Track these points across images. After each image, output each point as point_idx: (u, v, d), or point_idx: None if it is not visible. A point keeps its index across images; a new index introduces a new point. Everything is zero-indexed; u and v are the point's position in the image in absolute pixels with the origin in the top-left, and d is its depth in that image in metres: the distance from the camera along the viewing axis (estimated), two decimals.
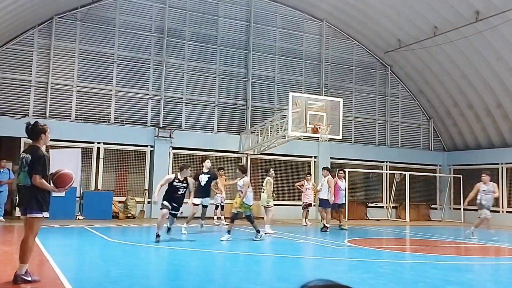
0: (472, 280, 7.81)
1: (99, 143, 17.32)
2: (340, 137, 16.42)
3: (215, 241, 11.07)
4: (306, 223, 16.00)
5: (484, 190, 13.23)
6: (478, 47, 18.68)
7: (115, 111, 17.77)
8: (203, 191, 12.67)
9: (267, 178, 13.47)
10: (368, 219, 20.36)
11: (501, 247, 12.37)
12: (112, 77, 17.87)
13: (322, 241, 11.95)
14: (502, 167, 20.87)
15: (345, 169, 17.19)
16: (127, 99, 18.04)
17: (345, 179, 15.73)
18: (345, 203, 15.77)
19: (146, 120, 18.21)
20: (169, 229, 10.70)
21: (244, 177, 11.31)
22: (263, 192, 13.49)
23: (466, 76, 20.25)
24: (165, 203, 10.44)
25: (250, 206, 11.40)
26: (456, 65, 20.11)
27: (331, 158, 20.25)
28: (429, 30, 19.03)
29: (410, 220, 20.27)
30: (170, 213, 10.45)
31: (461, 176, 21.56)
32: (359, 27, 21.20)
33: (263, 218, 14.08)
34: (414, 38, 19.72)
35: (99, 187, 17.06)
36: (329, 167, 17.45)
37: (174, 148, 18.04)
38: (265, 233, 11.91)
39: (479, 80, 19.93)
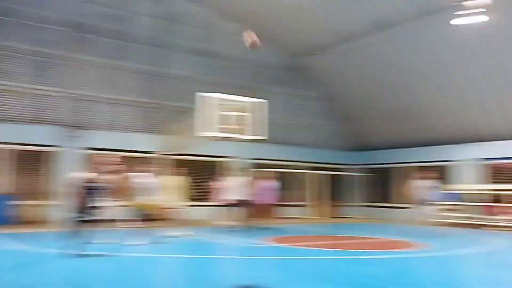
0: (378, 274, 8.30)
1: (2, 143, 16.19)
2: (264, 137, 16.61)
3: (126, 245, 10.78)
4: (224, 223, 16.03)
5: (426, 187, 13.77)
6: (384, 54, 19.84)
7: (21, 109, 16.71)
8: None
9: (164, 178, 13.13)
10: (286, 217, 20.87)
11: (408, 241, 13.24)
12: (19, 73, 16.78)
13: (241, 240, 12.07)
14: (409, 166, 22.39)
15: (272, 170, 17.44)
16: (37, 97, 17.03)
17: (275, 179, 15.86)
18: (271, 203, 15.91)
19: (58, 119, 17.31)
20: (78, 237, 9.25)
21: (154, 176, 11.07)
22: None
23: (376, 80, 21.43)
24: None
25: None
26: (367, 69, 21.21)
27: (248, 158, 20.51)
28: (344, 36, 19.86)
29: (325, 218, 21.07)
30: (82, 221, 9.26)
31: (373, 175, 22.82)
32: (276, 29, 21.66)
33: (173, 219, 13.67)
34: (327, 42, 20.50)
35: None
36: (248, 167, 17.65)
37: (88, 148, 17.30)
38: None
39: (388, 84, 21.19)
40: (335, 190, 23.14)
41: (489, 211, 17.29)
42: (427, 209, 13.84)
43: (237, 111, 15.80)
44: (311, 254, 10.39)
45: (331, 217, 21.54)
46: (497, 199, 17.99)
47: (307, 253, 10.51)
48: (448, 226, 18.21)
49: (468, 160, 20.15)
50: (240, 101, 16.29)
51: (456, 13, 15.42)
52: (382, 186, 22.95)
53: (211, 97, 15.76)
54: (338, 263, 9.21)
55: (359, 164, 24.11)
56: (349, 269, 8.49)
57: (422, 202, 13.80)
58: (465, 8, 15.14)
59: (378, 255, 10.68)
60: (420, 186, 13.91)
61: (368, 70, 21.24)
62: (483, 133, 19.74)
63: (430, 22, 17.27)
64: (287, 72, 22.91)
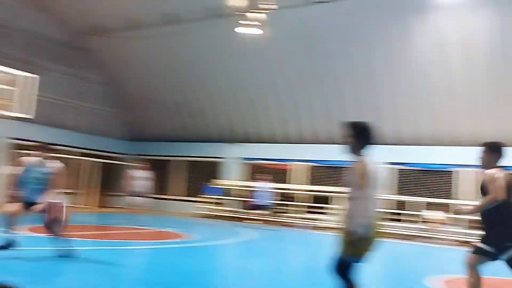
0: (139, 263, 8.41)
1: None
2: (31, 116, 15.13)
3: None
4: None
5: (140, 177, 14.31)
6: (171, 48, 20.17)
7: None
8: None
9: None
10: None
11: (175, 232, 13.70)
12: None
13: None
14: (180, 159, 23.26)
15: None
16: None
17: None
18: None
19: None
20: None
21: None
22: None
23: (160, 73, 21.61)
24: None
25: None
26: (153, 60, 21.21)
27: (10, 138, 18.39)
28: (128, 22, 19.40)
29: (95, 207, 20.32)
30: None
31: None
32: (58, 1, 20.02)
33: None
34: (114, 26, 19.81)
35: None
36: (10, 148, 15.84)
37: None
38: None
39: (171, 78, 21.58)
40: (107, 179, 22.47)
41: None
42: (137, 199, 14.35)
43: (2, 84, 14.08)
44: (70, 245, 9.87)
45: (101, 206, 20.90)
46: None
47: (65, 244, 9.95)
48: (213, 218, 19.50)
49: (235, 159, 21.86)
50: (6, 73, 14.56)
51: (241, 21, 16.59)
52: (156, 178, 23.20)
53: None
54: (99, 254, 8.98)
55: (133, 154, 23.91)
56: (110, 259, 8.36)
57: (134, 192, 14.36)
58: (247, 19, 16.44)
59: (143, 245, 10.78)
60: (135, 176, 14.62)
61: (153, 61, 21.28)
62: (251, 135, 21.71)
63: (216, 25, 18.19)
64: (66, 49, 21.33)
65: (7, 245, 7.49)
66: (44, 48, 20.39)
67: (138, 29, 19.27)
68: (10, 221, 7.57)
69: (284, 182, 20.54)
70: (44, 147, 7.89)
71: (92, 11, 19.91)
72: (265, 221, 17.16)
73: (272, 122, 21.03)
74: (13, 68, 15.83)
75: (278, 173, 20.99)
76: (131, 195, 14.19)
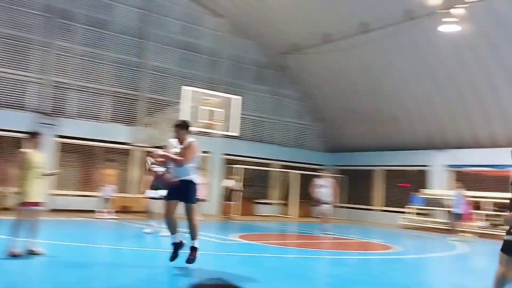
0: (348, 274, 8.28)
1: None
2: (237, 134, 16.54)
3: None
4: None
5: (322, 186, 14.28)
6: (365, 57, 19.91)
7: None
8: None
9: None
10: (257, 215, 20.80)
11: (379, 243, 13.29)
12: None
13: (211, 236, 11.92)
14: (379, 169, 22.61)
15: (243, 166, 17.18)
16: (6, 81, 16.53)
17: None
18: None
19: (27, 105, 16.82)
20: None
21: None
22: None
23: (354, 83, 21.50)
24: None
25: None
26: (346, 71, 21.26)
27: (224, 154, 20.38)
28: (322, 37, 19.83)
29: (297, 217, 21.05)
30: None
31: (344, 176, 22.91)
32: (257, 27, 21.56)
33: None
34: (308, 43, 20.45)
35: None
36: (222, 163, 17.35)
37: (60, 136, 16.90)
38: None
39: (364, 87, 21.29)
40: (306, 189, 23.06)
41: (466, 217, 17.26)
42: (323, 207, 14.07)
43: (212, 106, 15.66)
44: (279, 252, 10.31)
45: (302, 216, 21.56)
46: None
47: (274, 251, 10.43)
48: (420, 230, 18.40)
49: (441, 166, 20.35)
50: (215, 96, 16.15)
51: (444, 19, 15.47)
52: (353, 188, 23.04)
53: (190, 90, 15.59)
54: (307, 262, 9.15)
55: (331, 165, 24.16)
56: (319, 268, 8.44)
57: (319, 200, 14.08)
58: (450, 15, 15.25)
59: (350, 255, 10.67)
60: (318, 185, 14.24)
61: (347, 72, 21.31)
62: (465, 140, 19.89)
63: (415, 27, 17.26)
64: (265, 69, 22.81)
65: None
66: (246, 71, 22.17)
67: (330, 43, 19.53)
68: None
69: (505, 190, 18.31)
70: (182, 125, 7.24)
71: (287, 32, 20.90)
72: (480, 234, 15.48)
73: (474, 125, 19.00)
74: (221, 91, 17.57)
75: (497, 181, 18.84)
76: (318, 204, 14.37)
